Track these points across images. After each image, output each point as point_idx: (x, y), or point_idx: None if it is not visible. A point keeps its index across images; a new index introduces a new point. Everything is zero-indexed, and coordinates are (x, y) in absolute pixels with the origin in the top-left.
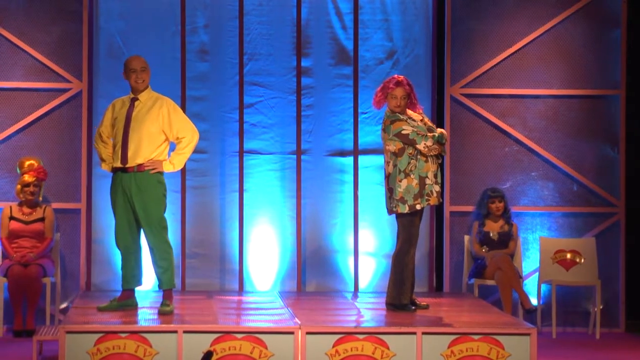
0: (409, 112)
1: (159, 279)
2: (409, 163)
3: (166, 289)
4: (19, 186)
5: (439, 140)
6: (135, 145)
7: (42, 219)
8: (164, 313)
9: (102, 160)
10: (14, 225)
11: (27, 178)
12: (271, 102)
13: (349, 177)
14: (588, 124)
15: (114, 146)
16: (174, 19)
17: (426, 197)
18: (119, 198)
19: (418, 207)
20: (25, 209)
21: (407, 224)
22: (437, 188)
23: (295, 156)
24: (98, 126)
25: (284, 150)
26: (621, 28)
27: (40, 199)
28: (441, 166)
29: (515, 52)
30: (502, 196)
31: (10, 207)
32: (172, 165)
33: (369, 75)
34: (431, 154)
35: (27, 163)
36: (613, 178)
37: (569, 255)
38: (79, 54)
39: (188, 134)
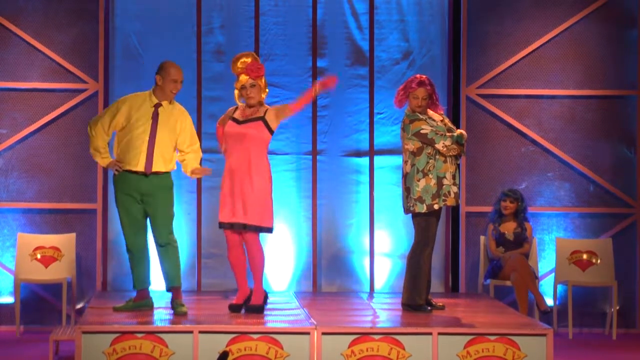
0: (430, 112)
1: (167, 277)
2: (427, 163)
3: (175, 287)
4: (236, 91)
5: (458, 141)
6: (160, 151)
7: (259, 118)
8: (179, 314)
9: (99, 152)
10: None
11: (242, 79)
12: (287, 102)
13: (365, 178)
14: (604, 124)
15: (130, 148)
16: (190, 19)
17: (443, 198)
18: (130, 200)
19: (436, 207)
20: (247, 110)
21: (423, 224)
22: (454, 189)
23: (310, 157)
24: (102, 114)
25: (299, 151)
26: (638, 28)
27: (263, 97)
28: (458, 167)
29: (531, 52)
30: (515, 197)
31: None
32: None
33: (385, 75)
34: (450, 154)
35: (240, 60)
36: (629, 179)
37: (585, 256)
38: (95, 55)
39: (197, 147)
